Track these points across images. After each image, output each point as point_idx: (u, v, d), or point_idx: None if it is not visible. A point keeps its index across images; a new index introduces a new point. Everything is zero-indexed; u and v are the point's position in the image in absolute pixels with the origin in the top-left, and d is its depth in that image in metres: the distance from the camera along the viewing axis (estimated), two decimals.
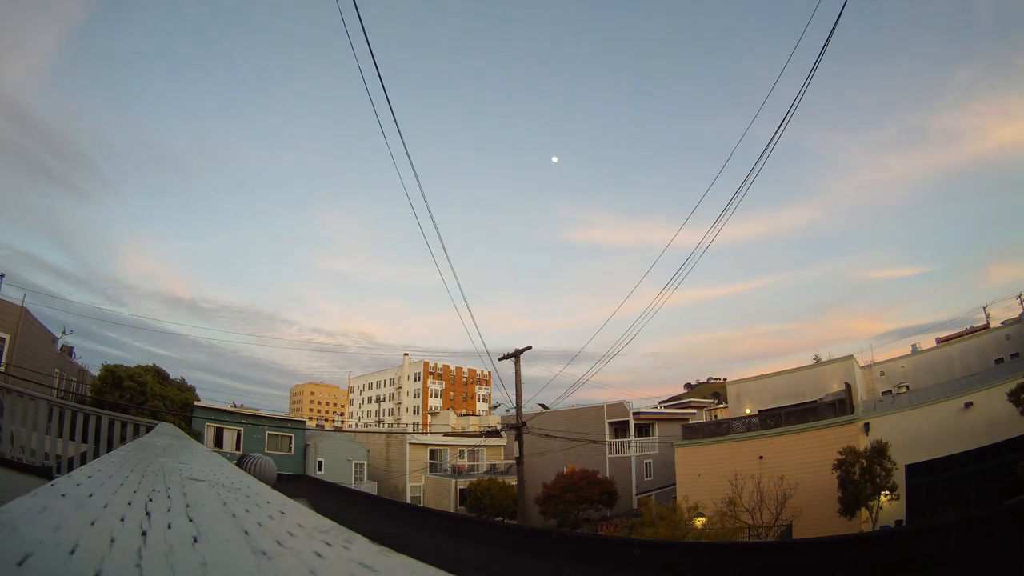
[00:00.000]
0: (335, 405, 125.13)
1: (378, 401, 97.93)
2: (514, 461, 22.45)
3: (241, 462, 12.60)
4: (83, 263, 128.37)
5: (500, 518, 29.36)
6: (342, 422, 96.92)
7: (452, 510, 31.67)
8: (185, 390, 30.44)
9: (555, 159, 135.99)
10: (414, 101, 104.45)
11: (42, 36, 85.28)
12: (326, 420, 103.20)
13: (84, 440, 8.31)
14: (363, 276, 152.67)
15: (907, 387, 28.46)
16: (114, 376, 25.38)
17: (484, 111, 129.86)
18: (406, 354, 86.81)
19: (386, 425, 77.93)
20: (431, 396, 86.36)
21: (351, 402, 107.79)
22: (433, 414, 73.11)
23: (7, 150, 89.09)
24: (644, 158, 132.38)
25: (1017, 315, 30.22)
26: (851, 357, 29.79)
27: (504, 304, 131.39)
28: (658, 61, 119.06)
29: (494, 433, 40.82)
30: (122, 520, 1.41)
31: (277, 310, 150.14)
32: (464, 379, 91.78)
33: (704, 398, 63.56)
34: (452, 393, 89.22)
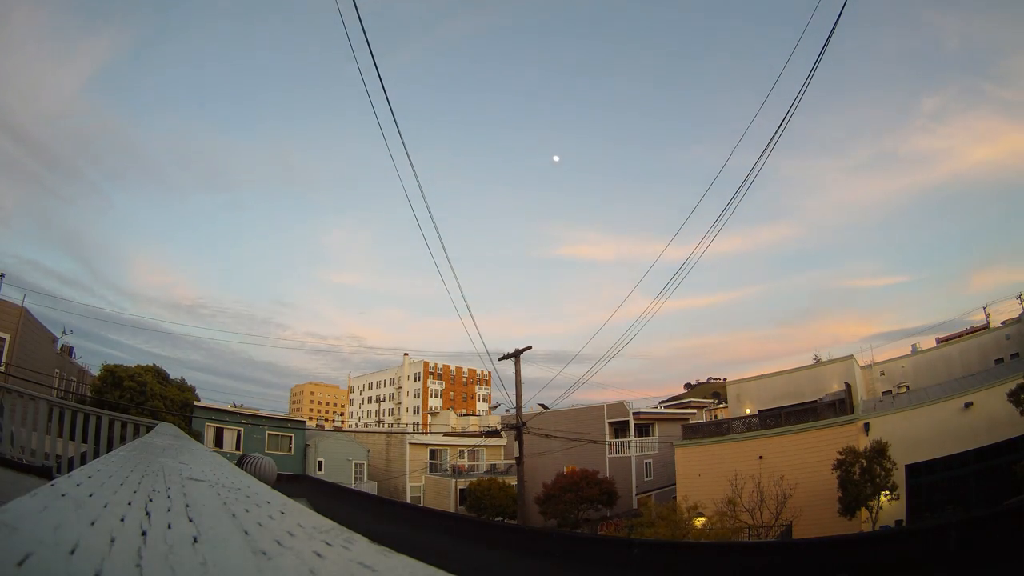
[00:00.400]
0: (335, 405, 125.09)
1: (378, 401, 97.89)
2: (514, 461, 22.46)
3: (241, 462, 12.59)
4: (93, 271, 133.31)
5: (500, 518, 29.35)
6: (342, 422, 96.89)
7: (452, 510, 31.66)
8: (185, 390, 30.40)
9: (556, 158, 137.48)
10: (419, 119, 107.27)
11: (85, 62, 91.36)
12: (326, 420, 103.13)
13: (84, 440, 8.30)
14: (364, 286, 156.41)
15: (907, 387, 28.45)
16: (114, 376, 25.36)
17: (480, 121, 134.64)
18: (406, 354, 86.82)
19: (386, 425, 77.92)
20: (431, 396, 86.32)
21: (351, 402, 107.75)
22: (433, 414, 73.08)
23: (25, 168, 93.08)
24: (629, 185, 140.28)
25: (1017, 315, 30.22)
26: (851, 357, 29.77)
27: (502, 313, 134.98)
28: (640, 100, 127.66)
29: (494, 433, 40.86)
30: (122, 520, 1.41)
31: (279, 317, 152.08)
32: (464, 379, 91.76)
33: (704, 398, 63.53)
34: (452, 393, 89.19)
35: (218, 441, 28.45)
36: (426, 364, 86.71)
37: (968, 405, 19.11)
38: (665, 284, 12.73)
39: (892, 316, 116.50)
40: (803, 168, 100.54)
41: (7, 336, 20.74)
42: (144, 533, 1.28)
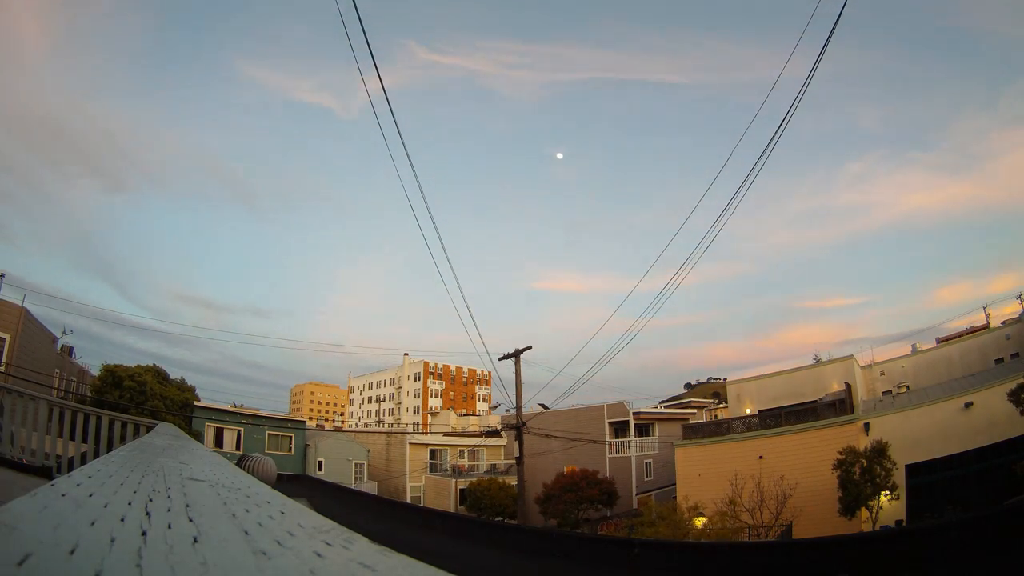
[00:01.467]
0: (335, 405, 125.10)
1: (378, 401, 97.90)
2: (514, 461, 22.45)
3: (241, 462, 12.61)
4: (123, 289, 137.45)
5: (500, 518, 29.35)
6: (342, 422, 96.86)
7: (452, 510, 31.66)
8: (185, 390, 30.41)
9: (559, 155, 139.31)
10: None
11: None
12: (326, 420, 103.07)
13: (84, 440, 8.30)
14: (366, 300, 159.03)
15: (907, 387, 28.43)
16: (114, 376, 25.36)
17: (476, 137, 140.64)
18: (406, 354, 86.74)
19: (386, 425, 77.87)
20: (431, 396, 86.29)
21: (351, 402, 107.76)
22: (433, 414, 73.05)
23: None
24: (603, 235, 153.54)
25: (1017, 315, 30.20)
26: (851, 357, 29.75)
27: (501, 323, 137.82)
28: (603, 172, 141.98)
29: (494, 433, 40.86)
30: (122, 520, 1.41)
31: (283, 323, 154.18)
32: (464, 379, 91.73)
33: (704, 398, 63.52)
34: (452, 393, 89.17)
35: (218, 441, 28.44)
36: (426, 364, 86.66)
37: (968, 405, 19.11)
38: (651, 302, 13.82)
39: (860, 328, 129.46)
40: (755, 220, 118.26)
41: (7, 336, 20.73)
42: (144, 533, 1.28)
